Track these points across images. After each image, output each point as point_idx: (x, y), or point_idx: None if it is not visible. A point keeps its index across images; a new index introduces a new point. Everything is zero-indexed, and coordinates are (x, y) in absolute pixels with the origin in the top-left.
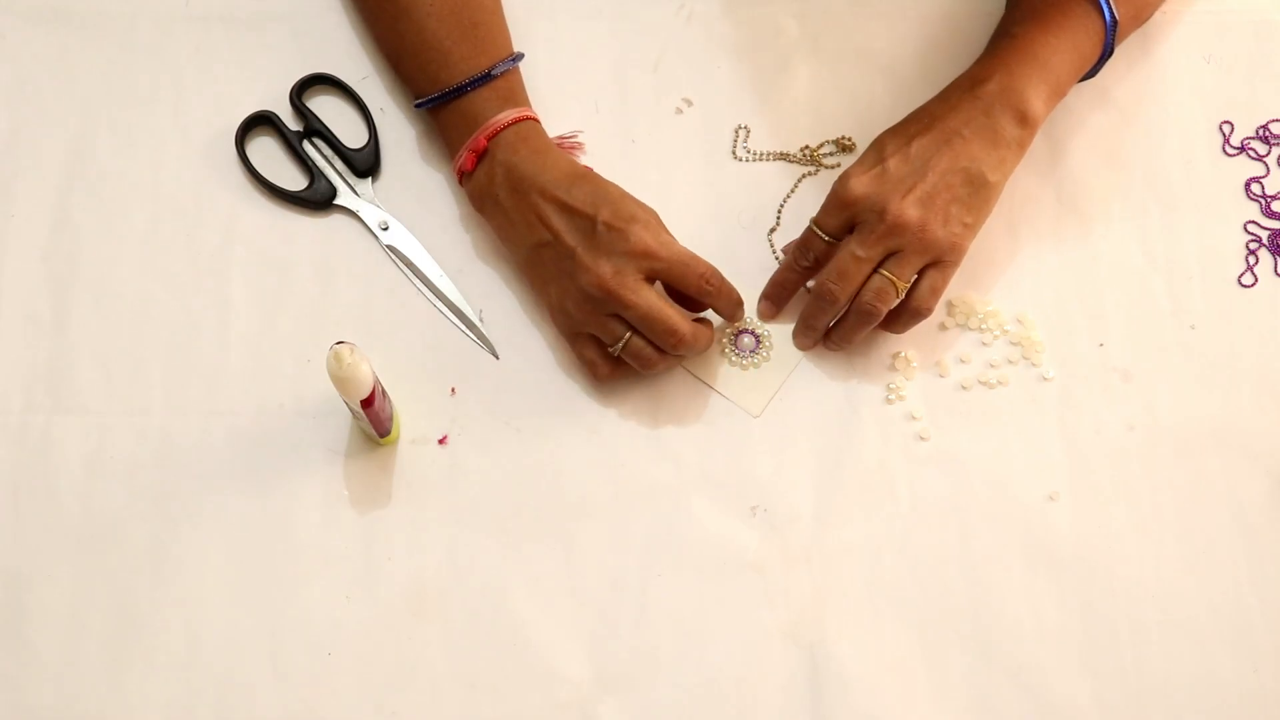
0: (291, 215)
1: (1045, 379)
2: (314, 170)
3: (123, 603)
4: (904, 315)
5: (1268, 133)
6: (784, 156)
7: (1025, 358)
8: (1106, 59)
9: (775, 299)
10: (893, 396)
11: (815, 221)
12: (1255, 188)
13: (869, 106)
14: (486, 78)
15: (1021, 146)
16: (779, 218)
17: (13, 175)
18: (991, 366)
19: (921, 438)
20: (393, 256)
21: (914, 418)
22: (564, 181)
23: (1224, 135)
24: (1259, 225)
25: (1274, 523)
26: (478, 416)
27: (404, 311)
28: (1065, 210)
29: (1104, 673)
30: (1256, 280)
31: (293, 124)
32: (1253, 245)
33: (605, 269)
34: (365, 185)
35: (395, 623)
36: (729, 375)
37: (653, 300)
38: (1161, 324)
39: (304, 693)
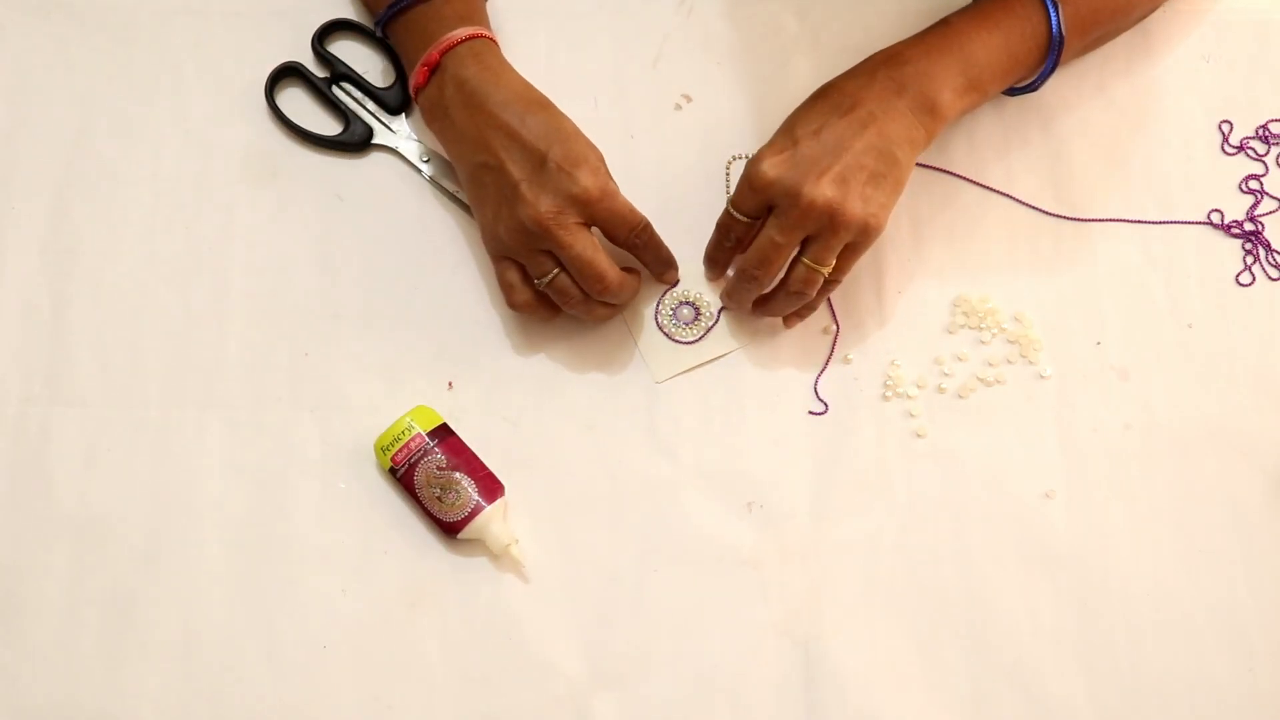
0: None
1: (1043, 377)
2: (348, 114)
3: (119, 595)
4: (821, 289)
5: (1267, 132)
6: None
7: (1023, 356)
8: (1050, 71)
9: (712, 266)
10: (890, 393)
11: (731, 203)
12: (1253, 184)
13: None
14: None
15: (929, 132)
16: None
17: (12, 167)
18: (989, 364)
19: (918, 435)
20: (435, 188)
21: (911, 415)
22: (517, 107)
23: (1223, 134)
24: (1238, 225)
25: (1270, 522)
26: (474, 410)
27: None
28: (1064, 208)
29: (1099, 670)
30: (1254, 280)
31: (319, 72)
32: (1249, 245)
33: (546, 207)
34: (400, 122)
35: (391, 616)
36: (655, 336)
37: (586, 244)
38: (1159, 323)
39: (300, 685)
